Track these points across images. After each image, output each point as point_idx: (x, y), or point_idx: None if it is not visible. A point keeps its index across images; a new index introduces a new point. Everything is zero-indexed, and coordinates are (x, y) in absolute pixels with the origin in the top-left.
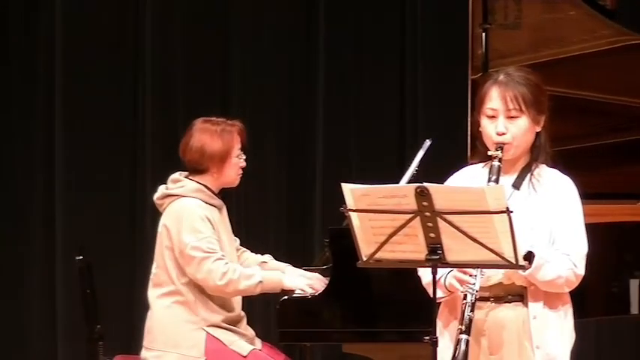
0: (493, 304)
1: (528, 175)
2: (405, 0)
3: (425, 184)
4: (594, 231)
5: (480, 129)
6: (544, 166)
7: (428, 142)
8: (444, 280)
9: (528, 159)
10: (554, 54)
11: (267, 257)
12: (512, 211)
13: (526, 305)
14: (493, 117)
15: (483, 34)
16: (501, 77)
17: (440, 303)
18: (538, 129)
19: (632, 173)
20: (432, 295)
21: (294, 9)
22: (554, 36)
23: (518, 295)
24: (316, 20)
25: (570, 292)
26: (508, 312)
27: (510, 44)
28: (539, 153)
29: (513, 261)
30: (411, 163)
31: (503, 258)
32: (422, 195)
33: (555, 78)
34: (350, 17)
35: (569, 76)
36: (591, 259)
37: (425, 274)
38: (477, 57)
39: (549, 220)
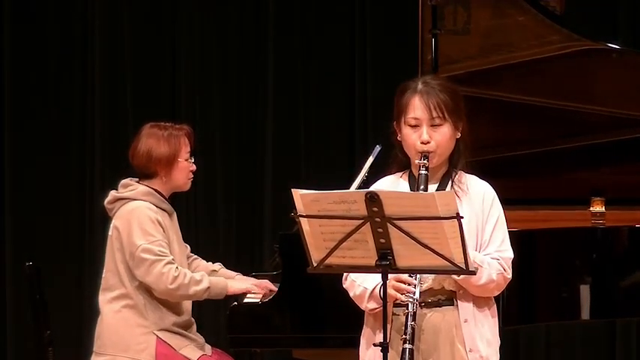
0: (424, 309)
1: (450, 183)
2: (354, 4)
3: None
4: (545, 236)
5: (399, 138)
6: (462, 172)
7: (378, 148)
8: (379, 291)
9: (447, 167)
10: (504, 59)
11: (218, 265)
12: (462, 217)
13: (457, 309)
14: (416, 126)
15: (433, 39)
16: (420, 86)
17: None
18: (458, 135)
19: (583, 179)
20: (381, 302)
21: (242, 12)
22: (503, 41)
23: (448, 299)
24: (265, 24)
25: (520, 297)
26: (439, 316)
27: (460, 50)
28: (458, 160)
29: (463, 266)
30: (361, 168)
31: (453, 263)
32: (372, 200)
33: (505, 83)
34: (299, 21)
35: (518, 81)
36: (541, 265)
37: (351, 287)
38: (426, 62)
39: (476, 226)
